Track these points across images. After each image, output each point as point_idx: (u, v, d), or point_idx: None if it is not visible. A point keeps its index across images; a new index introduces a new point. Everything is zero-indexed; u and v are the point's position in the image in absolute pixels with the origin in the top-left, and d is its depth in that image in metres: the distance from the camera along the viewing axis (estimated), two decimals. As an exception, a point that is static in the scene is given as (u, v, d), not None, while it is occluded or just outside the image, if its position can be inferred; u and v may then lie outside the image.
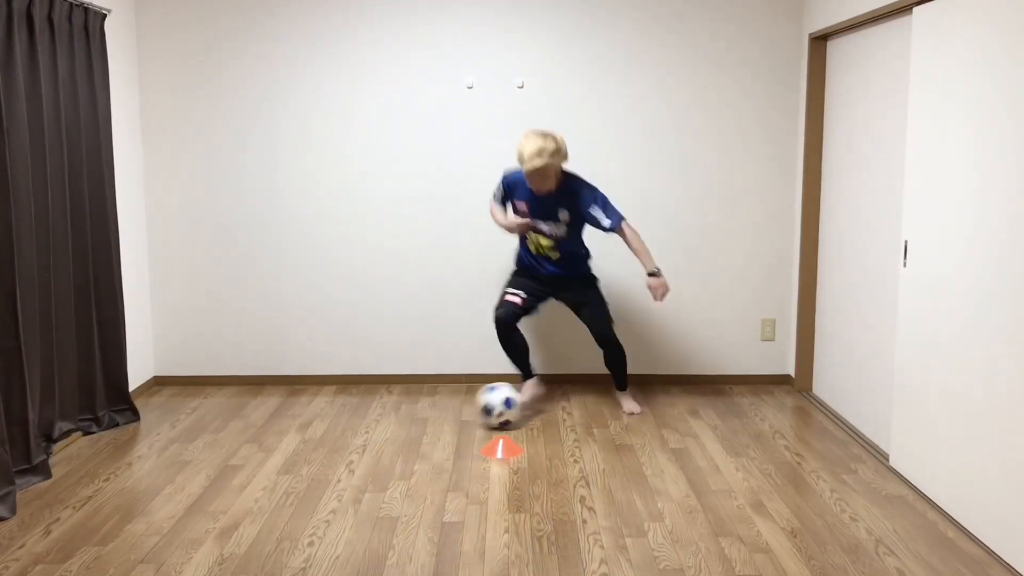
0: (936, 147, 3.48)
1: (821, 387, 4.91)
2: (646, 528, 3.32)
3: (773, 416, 4.66)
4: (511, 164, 5.07)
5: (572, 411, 4.73)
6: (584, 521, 3.38)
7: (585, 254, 4.61)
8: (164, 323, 5.19)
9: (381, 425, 4.50)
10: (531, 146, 4.16)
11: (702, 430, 4.43)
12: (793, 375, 5.16)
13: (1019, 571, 2.95)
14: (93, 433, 4.35)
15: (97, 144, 4.32)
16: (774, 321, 5.22)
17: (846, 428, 4.43)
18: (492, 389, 4.40)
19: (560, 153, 4.21)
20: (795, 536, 3.25)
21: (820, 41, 4.80)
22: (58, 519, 3.38)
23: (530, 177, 4.24)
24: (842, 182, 4.57)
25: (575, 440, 4.28)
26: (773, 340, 5.24)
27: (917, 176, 3.63)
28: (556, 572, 2.99)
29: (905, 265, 3.72)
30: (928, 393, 3.55)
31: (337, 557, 3.10)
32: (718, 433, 4.38)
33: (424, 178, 5.09)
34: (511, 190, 4.51)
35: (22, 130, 3.69)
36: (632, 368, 5.22)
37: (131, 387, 4.84)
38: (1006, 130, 3.02)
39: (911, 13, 3.75)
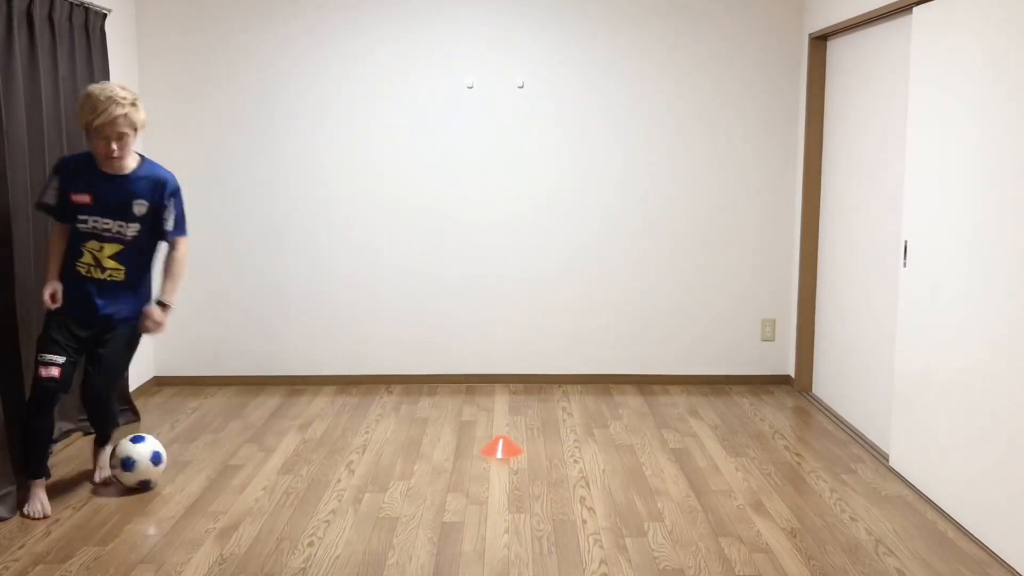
0: (936, 147, 3.48)
1: (821, 387, 4.91)
2: (646, 528, 3.32)
3: (773, 416, 4.66)
4: (511, 163, 5.08)
5: (572, 411, 4.73)
6: (584, 521, 3.38)
7: (148, 280, 3.61)
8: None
9: (381, 425, 4.50)
10: (106, 91, 3.29)
11: (702, 430, 4.43)
12: (793, 375, 5.16)
13: (1019, 571, 2.95)
14: (93, 434, 4.34)
15: (97, 144, 4.31)
16: (774, 321, 5.22)
17: (846, 428, 4.43)
18: (138, 440, 3.63)
19: (139, 109, 3.36)
20: (795, 536, 3.25)
21: (820, 41, 4.80)
22: (58, 519, 3.38)
23: (102, 134, 3.29)
24: (842, 182, 4.57)
25: (575, 440, 4.28)
26: (773, 340, 5.23)
27: (917, 176, 3.63)
28: (556, 572, 2.99)
29: (905, 265, 3.72)
30: (928, 393, 3.54)
31: (337, 557, 3.10)
32: (718, 433, 4.38)
33: (424, 178, 5.09)
34: (71, 178, 3.41)
35: (22, 130, 3.68)
36: (632, 368, 5.22)
37: (131, 387, 4.84)
38: (1006, 130, 3.02)
39: (911, 13, 3.75)
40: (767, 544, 3.19)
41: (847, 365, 4.51)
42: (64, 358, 3.40)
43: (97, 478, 3.74)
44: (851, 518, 3.40)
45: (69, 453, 4.09)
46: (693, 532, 3.28)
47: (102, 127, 3.30)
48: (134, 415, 4.54)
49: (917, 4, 3.63)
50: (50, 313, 3.44)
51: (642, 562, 3.06)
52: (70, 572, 2.98)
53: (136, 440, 3.62)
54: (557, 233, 5.13)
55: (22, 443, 3.42)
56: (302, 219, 5.11)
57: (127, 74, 4.86)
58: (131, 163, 3.48)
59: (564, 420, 4.58)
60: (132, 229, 3.47)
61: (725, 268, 5.17)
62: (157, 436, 4.31)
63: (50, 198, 3.44)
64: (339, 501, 3.57)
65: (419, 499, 3.59)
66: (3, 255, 3.59)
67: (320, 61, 5.00)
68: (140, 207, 3.47)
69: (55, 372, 3.37)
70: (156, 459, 3.64)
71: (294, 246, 5.14)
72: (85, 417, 4.34)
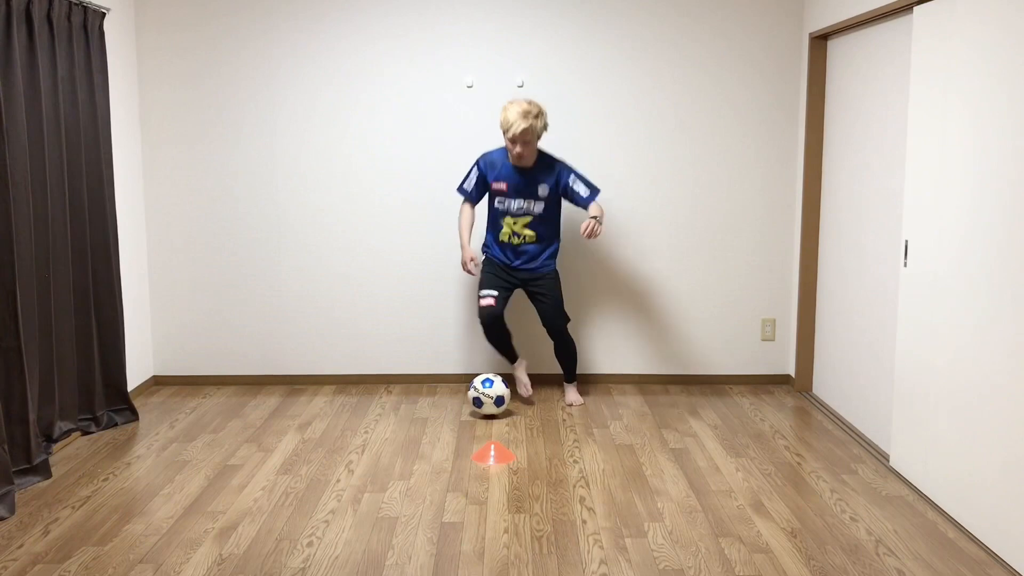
0: (937, 147, 3.48)
1: (821, 387, 4.90)
2: (646, 528, 3.31)
3: (773, 416, 4.65)
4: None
5: (572, 411, 4.72)
6: (584, 521, 3.37)
7: (557, 241, 4.68)
8: (163, 323, 5.19)
9: (380, 425, 4.50)
10: (517, 108, 4.29)
11: (702, 430, 4.42)
12: (793, 375, 5.16)
13: (1019, 571, 2.94)
14: (92, 433, 4.34)
15: (96, 143, 4.31)
16: (774, 321, 5.22)
17: (846, 428, 4.42)
18: (489, 383, 4.54)
19: (543, 116, 4.36)
20: (795, 536, 3.24)
21: (820, 40, 4.80)
22: (57, 519, 3.38)
23: (515, 142, 4.33)
24: (842, 182, 4.57)
25: (575, 440, 4.27)
26: (773, 340, 5.23)
27: (918, 176, 3.63)
28: (556, 572, 2.99)
29: (905, 265, 3.72)
30: (928, 393, 3.54)
31: (336, 557, 3.09)
32: (718, 433, 4.38)
33: (424, 178, 5.08)
34: (488, 170, 4.55)
35: (21, 129, 3.68)
36: (632, 368, 5.22)
37: (130, 387, 4.84)
38: (1007, 130, 3.01)
39: (912, 12, 3.74)
40: (767, 544, 3.18)
41: (847, 365, 4.51)
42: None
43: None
44: (851, 518, 3.39)
45: (68, 453, 4.08)
46: (693, 532, 3.28)
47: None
48: (133, 415, 4.54)
49: (917, 4, 3.63)
50: None
51: (642, 562, 3.05)
52: (69, 572, 2.97)
53: (488, 383, 4.53)
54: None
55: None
56: (301, 218, 5.11)
57: (126, 73, 4.85)
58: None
59: (564, 420, 4.57)
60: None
61: (725, 268, 5.17)
62: (155, 436, 4.32)
63: None
64: (338, 501, 3.56)
65: (418, 499, 3.58)
66: (3, 254, 3.59)
67: (320, 61, 5.00)
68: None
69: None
70: (499, 403, 4.53)
71: (293, 245, 5.13)
72: (84, 417, 4.34)
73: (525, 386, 4.79)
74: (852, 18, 4.21)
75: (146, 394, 5.04)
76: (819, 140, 4.86)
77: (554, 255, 4.67)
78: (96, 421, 4.37)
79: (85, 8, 4.20)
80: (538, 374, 5.20)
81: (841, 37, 4.58)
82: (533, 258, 4.62)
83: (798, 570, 2.99)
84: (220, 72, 5.00)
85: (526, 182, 4.50)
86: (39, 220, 3.89)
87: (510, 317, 5.01)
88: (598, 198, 4.56)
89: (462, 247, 4.61)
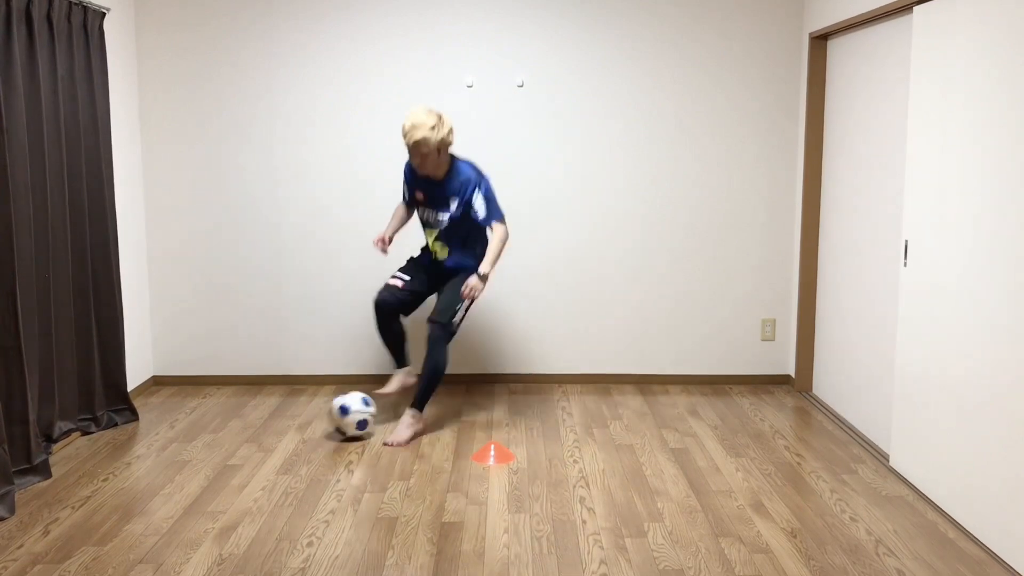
0: (937, 146, 3.48)
1: (821, 387, 4.90)
2: (646, 528, 3.31)
3: (773, 416, 4.65)
4: (510, 162, 5.07)
5: (572, 411, 4.72)
6: (584, 521, 3.37)
7: (475, 256, 4.27)
8: (163, 323, 5.19)
9: (380, 425, 4.49)
10: (411, 119, 3.98)
11: (702, 430, 4.42)
12: (793, 375, 5.16)
13: (1019, 571, 2.94)
14: (92, 433, 4.34)
15: (96, 143, 4.31)
16: (774, 321, 5.22)
17: (846, 428, 4.42)
18: (345, 394, 4.27)
19: (440, 128, 3.98)
20: (795, 536, 3.24)
21: (820, 40, 4.80)
22: (57, 519, 3.38)
23: (411, 153, 4.04)
24: (842, 182, 4.57)
25: (575, 440, 4.27)
26: (773, 340, 5.23)
27: (918, 175, 3.63)
28: (556, 572, 2.99)
29: (905, 265, 3.71)
30: (928, 393, 3.54)
31: (336, 557, 3.09)
32: (718, 433, 4.38)
33: (424, 178, 5.08)
34: (408, 175, 4.31)
35: (21, 129, 3.68)
36: (633, 368, 5.22)
37: (130, 387, 4.84)
38: (1007, 129, 3.01)
39: (911, 12, 3.74)
40: (767, 544, 3.18)
41: (847, 365, 4.51)
42: None
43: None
44: (851, 518, 3.39)
45: (67, 453, 4.08)
46: (693, 532, 3.28)
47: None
48: (132, 415, 4.54)
49: (917, 3, 3.63)
50: None
51: (642, 562, 3.05)
52: (68, 572, 2.97)
53: (342, 395, 4.25)
54: (557, 232, 5.12)
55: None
56: (301, 218, 5.11)
57: (126, 74, 4.85)
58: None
59: (564, 420, 4.57)
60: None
61: (725, 268, 5.17)
62: (155, 436, 4.32)
63: None
64: (338, 501, 3.56)
65: (418, 499, 3.58)
66: (3, 254, 3.59)
67: (320, 61, 5.00)
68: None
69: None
70: (366, 402, 4.24)
71: (293, 245, 5.13)
72: (84, 417, 4.34)
73: (390, 386, 4.44)
74: (852, 18, 4.21)
75: (146, 394, 5.04)
76: (819, 140, 4.85)
77: (478, 258, 4.25)
78: (96, 421, 4.37)
79: (85, 8, 4.20)
80: (536, 373, 5.20)
81: (841, 37, 4.58)
82: (454, 261, 4.30)
83: (798, 570, 2.99)
84: (220, 72, 5.00)
85: (438, 193, 4.19)
86: (39, 220, 3.89)
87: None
88: (497, 226, 4.19)
89: (380, 234, 4.34)
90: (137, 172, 5.01)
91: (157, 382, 5.23)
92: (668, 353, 5.24)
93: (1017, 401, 2.95)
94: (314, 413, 4.69)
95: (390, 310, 4.30)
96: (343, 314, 5.19)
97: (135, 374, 4.95)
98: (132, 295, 4.91)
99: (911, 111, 3.67)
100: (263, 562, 3.05)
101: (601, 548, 3.16)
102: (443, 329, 4.20)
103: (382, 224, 5.10)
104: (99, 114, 4.32)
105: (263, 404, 4.85)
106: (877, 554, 3.10)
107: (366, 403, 4.24)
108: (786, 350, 5.24)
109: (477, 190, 4.15)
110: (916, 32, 3.63)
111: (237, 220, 5.11)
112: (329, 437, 4.29)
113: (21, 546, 3.16)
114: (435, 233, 4.27)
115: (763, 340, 5.23)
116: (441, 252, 4.31)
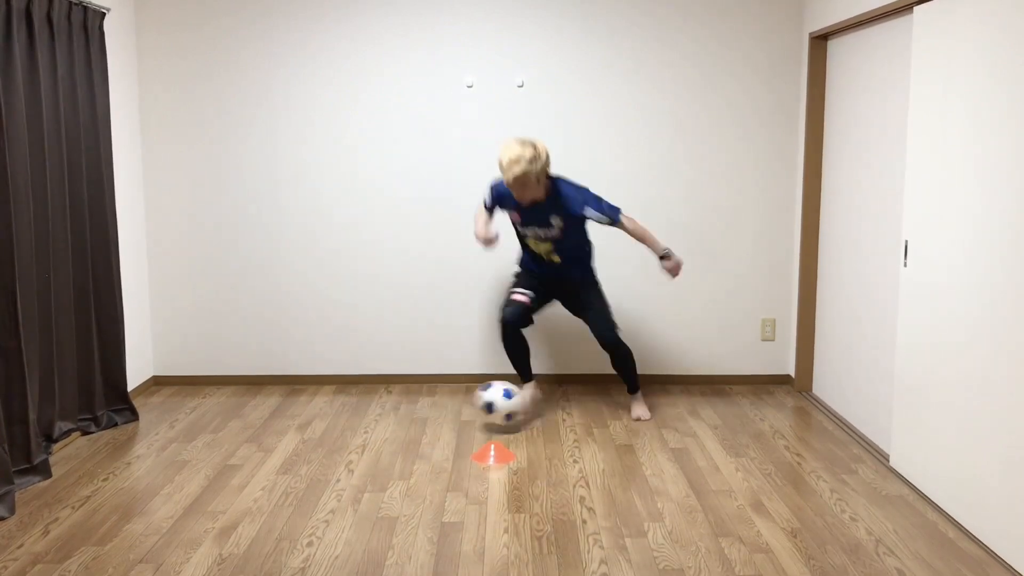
0: (937, 146, 3.48)
1: (821, 387, 4.90)
2: (646, 528, 3.31)
3: (773, 416, 4.65)
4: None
5: (572, 411, 4.72)
6: (584, 521, 3.37)
7: (587, 253, 4.48)
8: (163, 323, 5.19)
9: (380, 425, 4.50)
10: (508, 154, 4.03)
11: (702, 430, 4.42)
12: (793, 375, 5.16)
13: (1019, 571, 2.94)
14: (92, 433, 4.34)
15: (96, 143, 4.31)
16: (774, 321, 5.22)
17: (846, 428, 4.42)
18: (487, 387, 4.34)
19: (539, 160, 4.04)
20: (795, 536, 3.24)
21: (820, 40, 4.80)
22: (57, 519, 3.38)
23: (511, 187, 4.10)
24: (842, 182, 4.57)
25: (575, 440, 4.27)
26: (773, 340, 5.23)
27: (918, 176, 3.63)
28: (556, 572, 2.99)
29: (905, 265, 3.71)
30: (928, 393, 3.54)
31: (336, 557, 3.09)
32: (718, 433, 4.38)
33: (424, 178, 5.08)
34: (501, 200, 4.37)
35: (21, 129, 3.68)
36: (632, 368, 5.22)
37: (130, 387, 4.84)
38: (1007, 129, 3.01)
39: (912, 12, 3.74)
40: (767, 544, 3.18)
41: (847, 365, 4.51)
42: None
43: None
44: (851, 518, 3.39)
45: (67, 453, 4.08)
46: (693, 532, 3.28)
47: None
48: (132, 415, 4.54)
49: (917, 4, 3.63)
50: None
51: (642, 562, 3.05)
52: (68, 572, 2.97)
53: (486, 388, 4.33)
54: (557, 233, 5.12)
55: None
56: (301, 218, 5.11)
57: (126, 73, 4.85)
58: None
59: (564, 420, 4.57)
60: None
61: (725, 268, 5.17)
62: (155, 436, 4.32)
63: None
64: (338, 501, 3.56)
65: (418, 499, 3.58)
66: (3, 254, 3.59)
67: (320, 60, 5.00)
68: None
69: None
70: (507, 395, 4.31)
71: (293, 245, 5.13)
72: (84, 417, 4.34)
73: (523, 403, 4.47)
74: (852, 18, 4.21)
75: (146, 394, 5.04)
76: (819, 140, 4.85)
77: (587, 261, 4.49)
78: (96, 421, 4.37)
79: (85, 8, 4.20)
80: (537, 374, 5.20)
81: (841, 37, 4.58)
82: (566, 268, 4.44)
83: (798, 570, 2.99)
84: (220, 72, 5.00)
85: (537, 214, 4.26)
86: (39, 220, 3.89)
87: (539, 326, 4.99)
88: (624, 218, 4.27)
89: (478, 234, 4.31)
90: (137, 172, 5.01)
91: (157, 382, 5.23)
92: (668, 353, 5.24)
93: (1017, 400, 2.95)
94: (314, 413, 4.69)
95: (519, 325, 4.42)
96: (343, 314, 5.19)
97: (135, 374, 4.95)
98: (132, 295, 4.91)
99: (911, 111, 3.67)
100: (263, 562, 3.05)
101: (601, 548, 3.16)
102: (615, 336, 4.45)
103: (382, 224, 5.11)
104: (99, 114, 4.32)
105: (263, 404, 4.85)
106: (877, 554, 3.11)
107: (507, 395, 4.32)
108: (786, 350, 5.24)
109: (587, 207, 4.22)
110: (916, 32, 3.63)
111: (237, 220, 5.11)
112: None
113: (21, 546, 3.16)
114: (548, 246, 4.36)
115: (763, 340, 5.23)
116: (555, 257, 4.40)
